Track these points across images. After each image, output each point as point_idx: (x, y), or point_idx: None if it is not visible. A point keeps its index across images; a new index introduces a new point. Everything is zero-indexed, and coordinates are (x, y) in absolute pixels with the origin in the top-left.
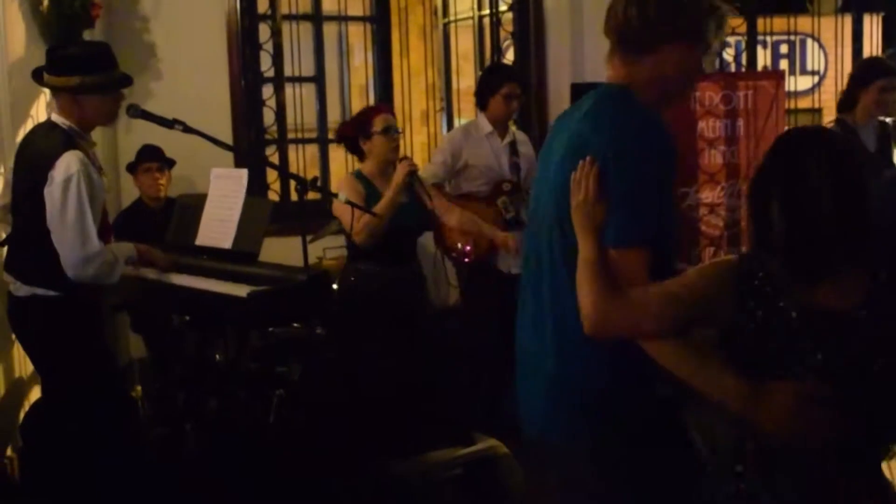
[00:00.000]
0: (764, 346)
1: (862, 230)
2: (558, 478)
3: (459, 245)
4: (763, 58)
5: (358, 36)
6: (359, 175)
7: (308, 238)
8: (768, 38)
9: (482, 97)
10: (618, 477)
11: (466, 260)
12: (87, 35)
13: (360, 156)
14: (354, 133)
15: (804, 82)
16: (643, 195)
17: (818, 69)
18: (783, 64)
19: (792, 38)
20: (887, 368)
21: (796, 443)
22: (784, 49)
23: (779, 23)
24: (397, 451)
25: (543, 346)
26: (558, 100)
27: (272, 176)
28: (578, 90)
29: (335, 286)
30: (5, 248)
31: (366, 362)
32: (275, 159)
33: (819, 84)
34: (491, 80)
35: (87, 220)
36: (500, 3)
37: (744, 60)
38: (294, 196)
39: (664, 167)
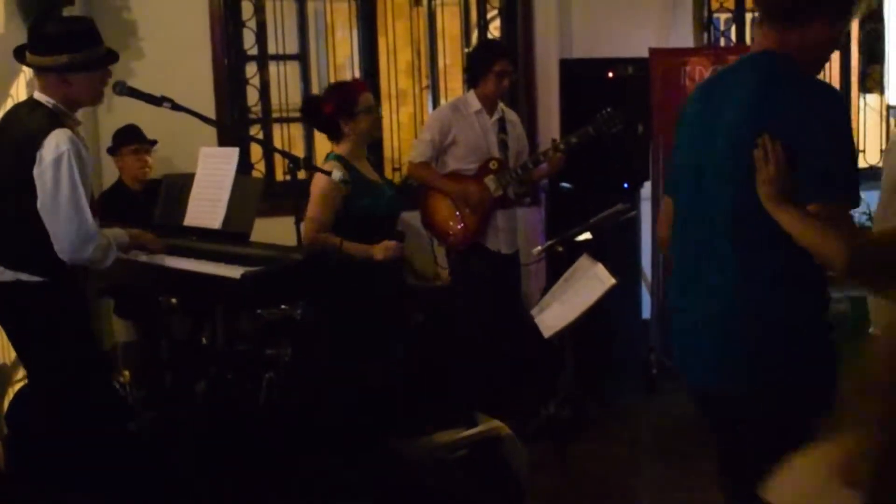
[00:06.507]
0: None
1: None
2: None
3: (451, 230)
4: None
5: (341, 13)
6: (340, 159)
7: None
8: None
9: (473, 74)
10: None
11: (460, 247)
12: (67, 12)
13: (334, 135)
14: (336, 111)
15: None
16: (839, 151)
17: None
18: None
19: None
20: None
21: None
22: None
23: None
24: (399, 434)
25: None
26: (546, 77)
27: (256, 155)
28: (567, 66)
29: None
30: None
31: (357, 345)
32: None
33: None
34: (483, 56)
35: (81, 199)
36: None
37: (733, 36)
38: (279, 176)
39: (847, 122)
